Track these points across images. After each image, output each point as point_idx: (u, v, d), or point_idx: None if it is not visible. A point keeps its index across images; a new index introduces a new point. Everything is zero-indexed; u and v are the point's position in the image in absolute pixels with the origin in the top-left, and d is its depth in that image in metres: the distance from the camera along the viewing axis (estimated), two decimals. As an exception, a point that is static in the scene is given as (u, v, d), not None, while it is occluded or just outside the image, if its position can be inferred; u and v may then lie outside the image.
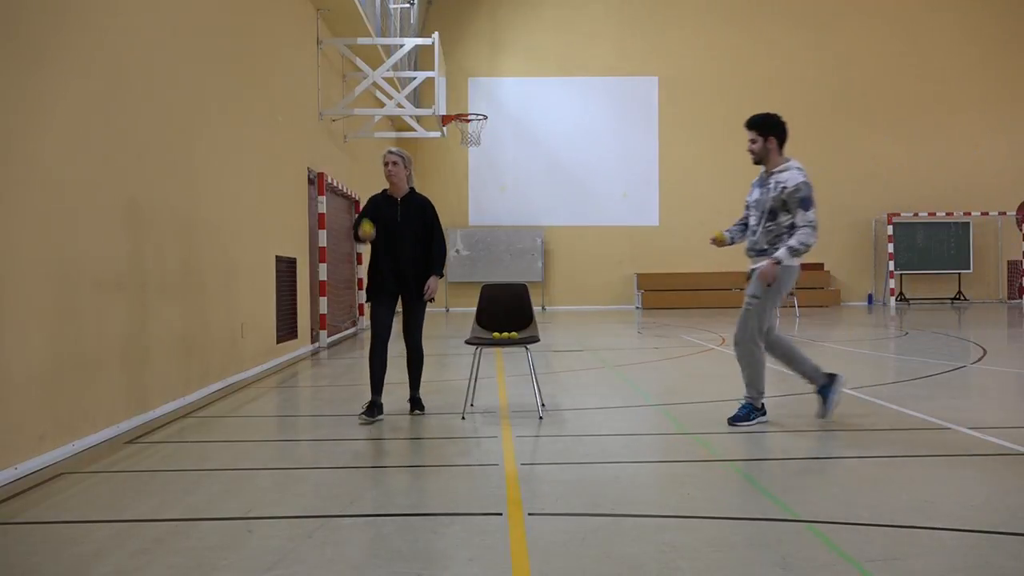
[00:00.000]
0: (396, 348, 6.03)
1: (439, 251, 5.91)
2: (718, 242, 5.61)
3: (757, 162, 5.40)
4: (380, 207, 5.94)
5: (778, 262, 5.13)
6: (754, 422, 5.38)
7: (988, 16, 22.01)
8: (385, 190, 6.03)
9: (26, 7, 4.48)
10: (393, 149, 5.97)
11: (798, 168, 5.26)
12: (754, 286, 5.31)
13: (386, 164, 5.90)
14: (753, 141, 5.37)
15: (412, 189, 6.01)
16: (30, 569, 3.05)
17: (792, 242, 5.12)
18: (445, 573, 2.91)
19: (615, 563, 2.96)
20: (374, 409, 5.74)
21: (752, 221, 5.40)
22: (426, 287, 5.83)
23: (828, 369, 5.48)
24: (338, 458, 4.86)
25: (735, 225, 5.65)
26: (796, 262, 5.24)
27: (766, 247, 5.29)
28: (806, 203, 5.13)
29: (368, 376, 5.88)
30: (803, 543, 3.15)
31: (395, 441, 5.21)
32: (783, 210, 5.20)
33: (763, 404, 5.43)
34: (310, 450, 5.20)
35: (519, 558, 3.01)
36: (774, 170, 5.31)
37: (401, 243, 5.84)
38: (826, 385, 5.41)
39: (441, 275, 5.91)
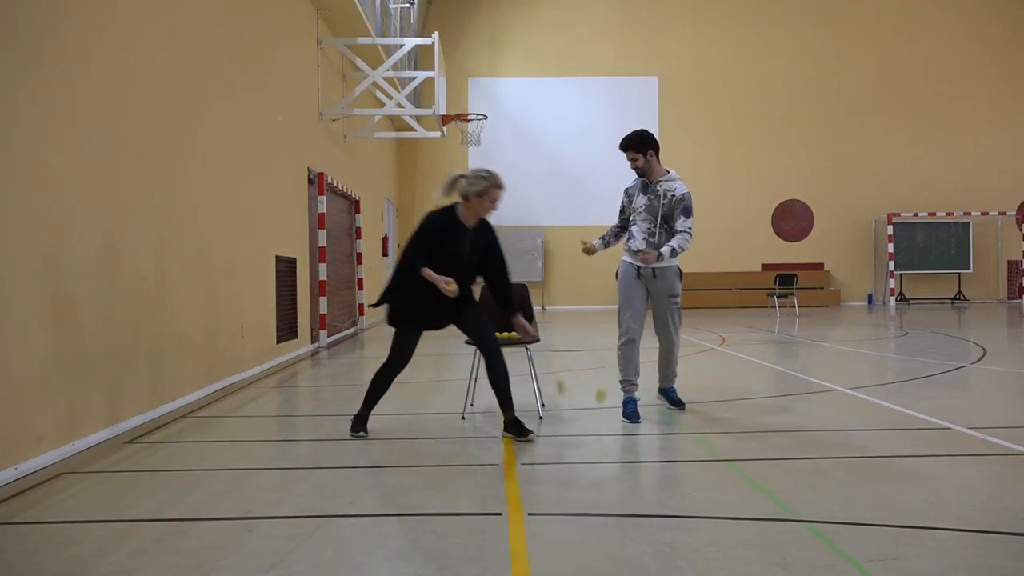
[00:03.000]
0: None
1: (510, 284, 5.26)
2: (588, 251, 5.89)
3: (642, 175, 5.78)
4: (447, 235, 5.08)
5: (660, 255, 5.54)
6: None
7: (990, 15, 22.00)
8: (454, 209, 5.11)
9: (25, 7, 4.48)
10: (502, 181, 5.09)
11: (680, 179, 5.76)
12: (674, 286, 5.78)
13: (495, 200, 5.07)
14: (635, 159, 5.72)
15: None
16: (30, 569, 3.04)
17: (674, 244, 5.56)
18: (445, 573, 2.91)
19: (615, 563, 2.96)
20: (360, 423, 5.26)
21: (644, 226, 5.73)
22: (522, 325, 5.20)
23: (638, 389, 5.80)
24: (338, 458, 4.85)
25: (610, 230, 6.02)
26: (673, 262, 5.75)
27: None
28: (688, 211, 5.66)
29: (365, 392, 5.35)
30: (803, 543, 3.15)
31: (395, 441, 5.20)
32: (673, 216, 5.67)
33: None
34: (310, 450, 5.20)
35: (519, 558, 3.01)
36: (660, 179, 5.73)
37: (457, 276, 5.03)
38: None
39: (529, 317, 5.26)
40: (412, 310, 5.14)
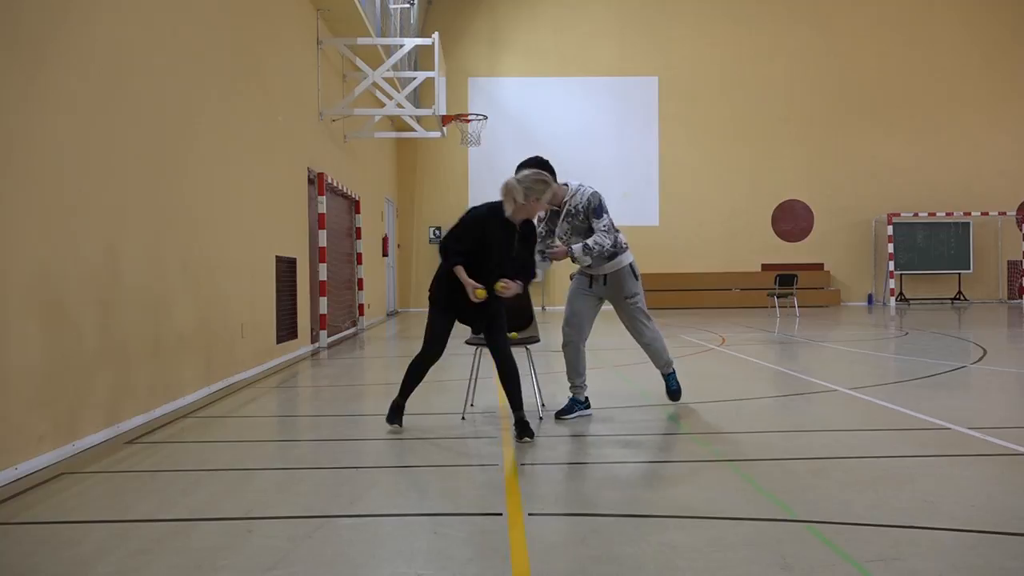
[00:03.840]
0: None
1: (531, 266, 5.32)
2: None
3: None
4: (504, 240, 5.10)
5: (571, 252, 5.52)
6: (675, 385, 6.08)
7: (990, 15, 22.01)
8: (503, 210, 5.08)
9: (26, 7, 4.48)
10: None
11: (582, 186, 5.67)
12: (627, 287, 5.78)
13: (538, 200, 5.10)
14: None
15: None
16: (30, 569, 3.04)
17: (588, 241, 5.52)
18: (445, 573, 2.91)
19: (615, 563, 2.96)
20: (396, 413, 5.40)
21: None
22: (508, 284, 5.05)
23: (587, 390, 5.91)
24: (338, 458, 4.85)
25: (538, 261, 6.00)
26: (622, 263, 5.73)
27: (613, 250, 5.65)
28: (598, 211, 5.58)
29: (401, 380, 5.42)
30: (803, 543, 3.15)
31: (395, 441, 5.20)
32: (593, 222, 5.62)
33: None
34: (310, 450, 5.20)
35: (519, 558, 3.01)
36: (565, 199, 5.64)
37: (497, 272, 5.09)
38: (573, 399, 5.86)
39: (526, 285, 5.26)
40: (449, 293, 5.20)
